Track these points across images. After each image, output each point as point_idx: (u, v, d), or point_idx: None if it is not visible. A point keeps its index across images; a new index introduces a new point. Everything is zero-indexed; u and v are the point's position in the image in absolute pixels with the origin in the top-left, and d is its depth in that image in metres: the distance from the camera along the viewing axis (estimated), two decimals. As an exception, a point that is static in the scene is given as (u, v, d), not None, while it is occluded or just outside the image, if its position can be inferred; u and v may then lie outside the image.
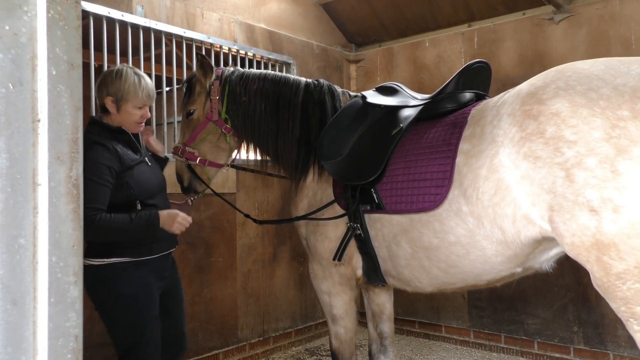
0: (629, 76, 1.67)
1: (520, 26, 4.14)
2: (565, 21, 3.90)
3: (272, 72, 2.79)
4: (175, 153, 2.79)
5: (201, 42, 3.85)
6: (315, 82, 2.72)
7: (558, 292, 3.87)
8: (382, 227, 2.33)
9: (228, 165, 2.92)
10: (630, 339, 2.45)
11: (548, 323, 3.92)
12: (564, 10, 3.89)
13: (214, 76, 2.76)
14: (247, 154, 2.94)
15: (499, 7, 4.23)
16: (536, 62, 4.01)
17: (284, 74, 2.80)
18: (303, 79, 2.75)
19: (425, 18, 4.61)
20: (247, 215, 2.93)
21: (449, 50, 4.53)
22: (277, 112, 2.64)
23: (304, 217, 2.58)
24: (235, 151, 2.95)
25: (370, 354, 2.95)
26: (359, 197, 2.37)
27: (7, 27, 0.97)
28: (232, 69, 2.83)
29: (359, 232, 2.39)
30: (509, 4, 4.16)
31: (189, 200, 2.79)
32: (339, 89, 2.75)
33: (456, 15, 4.46)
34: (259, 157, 2.91)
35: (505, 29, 4.22)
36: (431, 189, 2.10)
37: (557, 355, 3.87)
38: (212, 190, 2.89)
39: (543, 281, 3.84)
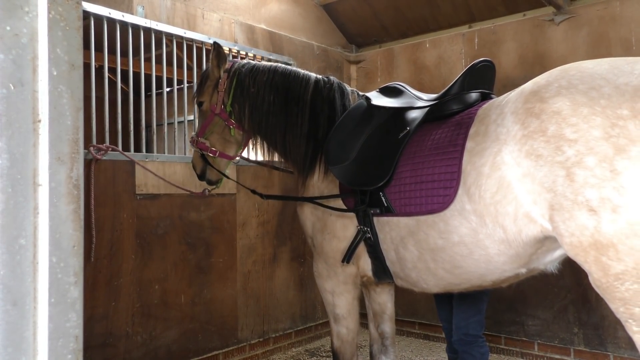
0: (632, 76, 1.66)
1: (521, 27, 4.14)
2: (565, 22, 3.90)
3: (283, 65, 2.78)
4: (191, 143, 2.89)
5: (202, 42, 3.85)
6: (325, 78, 2.71)
7: (558, 293, 3.87)
8: (391, 230, 2.32)
9: (238, 157, 2.97)
10: (631, 341, 2.44)
11: (548, 324, 3.92)
12: (565, 11, 3.89)
13: (225, 68, 2.77)
14: (255, 148, 2.94)
15: (499, 8, 4.23)
16: (536, 63, 4.01)
17: (294, 68, 2.77)
18: (313, 75, 2.72)
19: (425, 19, 4.61)
20: (253, 191, 2.91)
21: (450, 51, 4.54)
22: (285, 106, 2.62)
23: (310, 199, 2.55)
24: (243, 146, 2.95)
25: (371, 354, 2.94)
26: (368, 200, 2.35)
27: (8, 28, 0.97)
28: (244, 62, 2.81)
29: (368, 235, 2.38)
30: (510, 5, 4.16)
31: (206, 191, 2.98)
32: (348, 88, 2.73)
33: (456, 16, 4.46)
34: (260, 157, 2.90)
35: (506, 30, 4.22)
36: (439, 190, 2.09)
37: (558, 356, 3.86)
38: (226, 176, 2.91)
39: (543, 282, 3.84)
